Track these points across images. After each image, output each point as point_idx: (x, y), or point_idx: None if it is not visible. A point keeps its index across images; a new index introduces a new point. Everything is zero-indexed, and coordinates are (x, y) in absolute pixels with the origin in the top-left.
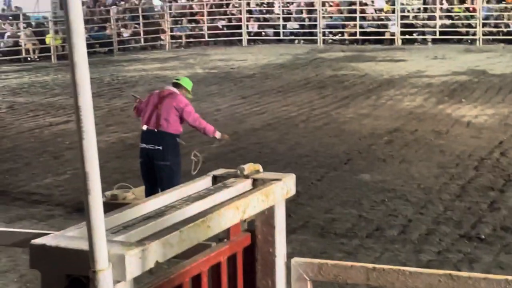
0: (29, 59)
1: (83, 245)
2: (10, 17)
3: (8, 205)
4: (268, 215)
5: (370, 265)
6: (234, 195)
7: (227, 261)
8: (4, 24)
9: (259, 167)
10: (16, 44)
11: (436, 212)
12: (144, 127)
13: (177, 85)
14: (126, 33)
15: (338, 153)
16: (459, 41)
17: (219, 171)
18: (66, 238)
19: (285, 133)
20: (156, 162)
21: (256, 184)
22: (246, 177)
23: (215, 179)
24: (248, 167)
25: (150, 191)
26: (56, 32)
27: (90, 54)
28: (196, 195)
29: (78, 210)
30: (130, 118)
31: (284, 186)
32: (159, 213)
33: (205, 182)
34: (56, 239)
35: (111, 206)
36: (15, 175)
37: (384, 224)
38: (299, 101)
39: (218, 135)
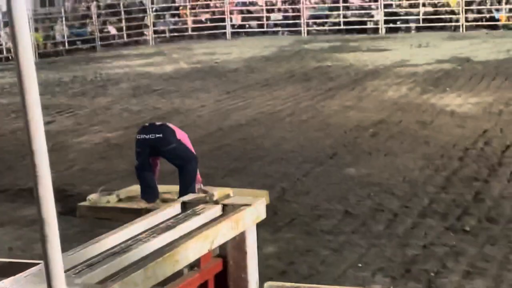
0: (10, 58)
1: None
2: None
3: None
4: (239, 240)
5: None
6: (203, 223)
7: None
8: None
9: (229, 191)
10: None
11: (422, 205)
12: (142, 126)
13: None
14: (109, 29)
15: (324, 147)
16: (443, 28)
17: (188, 197)
18: (26, 282)
19: (271, 128)
20: (162, 150)
21: (226, 209)
22: (216, 202)
23: (185, 206)
24: (218, 193)
25: (149, 176)
26: (36, 30)
27: (72, 51)
28: (164, 226)
29: (62, 214)
30: (115, 117)
31: (255, 211)
32: (124, 248)
33: (174, 209)
34: (16, 283)
35: (95, 210)
36: None
37: (370, 219)
38: (284, 95)
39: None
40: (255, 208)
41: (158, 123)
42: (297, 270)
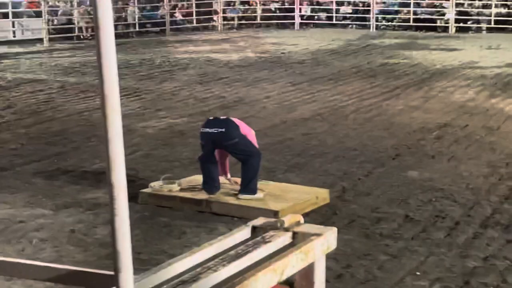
0: (81, 37)
1: None
2: None
3: (55, 191)
4: (307, 270)
5: None
6: (272, 251)
7: None
8: (58, 1)
9: (299, 218)
10: (69, 21)
11: (484, 215)
12: (211, 117)
13: None
14: (178, 14)
15: (387, 147)
16: None
17: (258, 221)
18: None
19: (334, 124)
20: (224, 144)
21: (297, 237)
22: (286, 229)
23: (254, 230)
24: (289, 219)
25: (211, 170)
26: None
27: (142, 33)
28: (233, 253)
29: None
30: (180, 103)
31: (325, 241)
32: (193, 276)
33: (244, 233)
34: None
35: (157, 197)
36: (64, 159)
37: (431, 225)
38: (349, 90)
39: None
40: (325, 239)
41: (222, 117)
42: (354, 274)
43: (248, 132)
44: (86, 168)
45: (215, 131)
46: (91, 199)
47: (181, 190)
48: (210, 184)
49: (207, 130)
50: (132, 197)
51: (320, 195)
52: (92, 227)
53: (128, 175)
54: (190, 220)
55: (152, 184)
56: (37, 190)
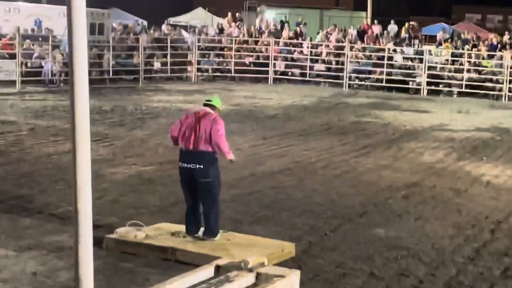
0: (54, 81)
1: None
2: (40, 38)
3: (20, 233)
4: None
5: None
6: None
7: None
8: (33, 44)
9: (264, 259)
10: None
11: (448, 275)
12: (183, 148)
13: (209, 105)
14: (153, 63)
15: (354, 204)
16: (485, 96)
17: (222, 261)
18: None
19: (303, 179)
20: (198, 180)
21: (260, 278)
22: (250, 270)
23: (218, 270)
24: (253, 260)
25: (194, 206)
26: None
27: (115, 81)
28: None
29: None
30: (150, 151)
31: (288, 283)
32: None
33: (207, 272)
34: None
35: (122, 243)
36: (29, 202)
37: (395, 283)
38: (319, 147)
39: (232, 156)
40: (288, 281)
41: (198, 149)
42: None
43: (221, 128)
44: (52, 211)
45: (193, 166)
46: (55, 242)
47: (147, 237)
48: (191, 223)
49: (185, 165)
50: (97, 243)
51: (285, 249)
52: (55, 270)
53: (94, 220)
54: (154, 268)
55: (117, 230)
56: (0, 231)
